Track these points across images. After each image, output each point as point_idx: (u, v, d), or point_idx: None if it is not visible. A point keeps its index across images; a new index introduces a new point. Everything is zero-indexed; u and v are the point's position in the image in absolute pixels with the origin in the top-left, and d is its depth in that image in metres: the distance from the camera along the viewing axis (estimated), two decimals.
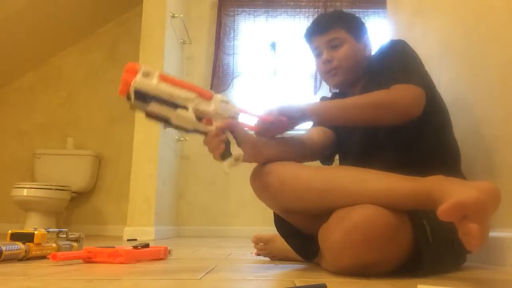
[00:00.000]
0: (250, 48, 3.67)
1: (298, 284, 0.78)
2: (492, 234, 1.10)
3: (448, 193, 0.79)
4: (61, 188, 3.13)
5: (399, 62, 1.10)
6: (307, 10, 3.67)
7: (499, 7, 1.22)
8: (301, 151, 1.13)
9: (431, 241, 0.91)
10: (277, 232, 1.19)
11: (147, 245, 1.24)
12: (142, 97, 0.86)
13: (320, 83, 3.55)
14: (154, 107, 0.87)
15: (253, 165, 1.07)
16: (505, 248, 1.12)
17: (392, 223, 0.87)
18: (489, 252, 1.16)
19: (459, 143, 1.17)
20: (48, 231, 1.24)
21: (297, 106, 1.05)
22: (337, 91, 1.39)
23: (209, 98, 0.94)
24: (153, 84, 0.86)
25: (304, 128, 1.19)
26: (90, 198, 3.63)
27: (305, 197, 0.98)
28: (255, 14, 3.70)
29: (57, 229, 1.31)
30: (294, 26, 3.67)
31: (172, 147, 3.24)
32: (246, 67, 3.66)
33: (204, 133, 0.94)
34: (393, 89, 1.02)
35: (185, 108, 0.90)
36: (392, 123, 1.02)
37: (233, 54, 3.63)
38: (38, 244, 1.19)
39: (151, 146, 2.80)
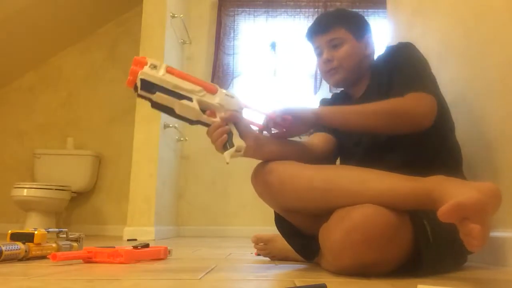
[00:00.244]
0: (250, 48, 3.67)
1: (298, 284, 0.78)
2: (492, 234, 1.10)
3: (448, 194, 0.79)
4: (61, 188, 3.13)
5: (412, 68, 1.10)
6: (307, 10, 3.67)
7: (499, 7, 1.22)
8: (303, 154, 1.12)
9: (432, 241, 0.91)
10: (277, 232, 1.19)
11: (147, 245, 1.24)
12: (148, 87, 0.90)
13: (320, 83, 3.55)
14: (159, 97, 0.90)
15: (254, 164, 1.07)
16: (505, 248, 1.12)
17: (392, 223, 0.87)
18: (489, 252, 1.16)
19: (459, 143, 1.17)
20: (48, 231, 1.24)
21: (310, 109, 1.06)
22: (338, 91, 1.39)
23: (214, 92, 0.96)
24: (159, 75, 0.91)
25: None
26: (90, 198, 3.63)
27: (306, 196, 0.98)
28: (255, 14, 3.70)
29: (57, 229, 1.31)
30: (294, 26, 3.66)
31: (172, 147, 3.24)
32: (246, 67, 3.66)
33: (207, 125, 0.96)
34: (408, 97, 1.02)
35: (190, 99, 0.92)
36: (404, 132, 1.03)
37: (233, 54, 3.63)
38: (38, 244, 1.19)
39: (151, 146, 2.80)
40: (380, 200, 0.88)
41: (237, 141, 0.94)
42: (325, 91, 3.50)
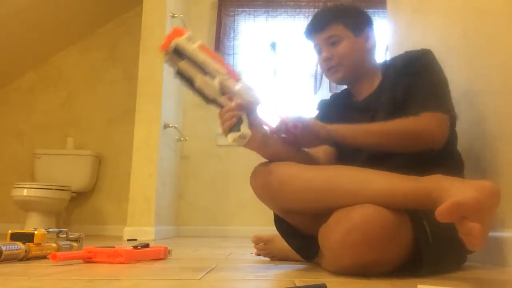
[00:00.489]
0: (250, 48, 3.67)
1: (298, 284, 0.78)
2: (492, 234, 1.10)
3: (447, 193, 0.79)
4: (61, 188, 3.13)
5: (431, 84, 1.09)
6: (307, 10, 3.67)
7: (499, 7, 1.22)
8: (305, 162, 1.13)
9: (431, 241, 0.91)
10: (277, 232, 1.19)
11: (147, 245, 1.24)
12: (179, 54, 0.95)
13: (320, 83, 3.55)
14: (185, 65, 0.95)
15: (254, 164, 1.07)
16: (505, 248, 1.12)
17: (392, 223, 0.87)
18: (489, 252, 1.16)
19: (459, 142, 1.17)
20: (48, 231, 1.24)
21: (321, 125, 1.06)
22: (338, 91, 1.39)
23: (237, 80, 0.99)
24: (192, 46, 0.96)
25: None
26: (90, 198, 3.63)
27: (306, 197, 0.98)
28: (255, 14, 3.70)
29: (57, 229, 1.31)
30: (294, 26, 3.66)
31: (172, 147, 3.24)
32: (246, 67, 3.66)
33: (222, 106, 0.98)
34: (423, 118, 1.03)
35: (213, 77, 0.96)
36: (415, 151, 1.03)
37: (233, 54, 3.63)
38: (38, 244, 1.19)
39: (151, 146, 2.80)
40: (380, 200, 0.88)
41: (245, 128, 0.96)
42: (325, 91, 3.50)
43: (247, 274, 0.95)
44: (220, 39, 3.61)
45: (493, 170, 1.22)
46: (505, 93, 1.18)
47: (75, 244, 1.32)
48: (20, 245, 1.14)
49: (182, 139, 3.43)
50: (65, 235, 1.32)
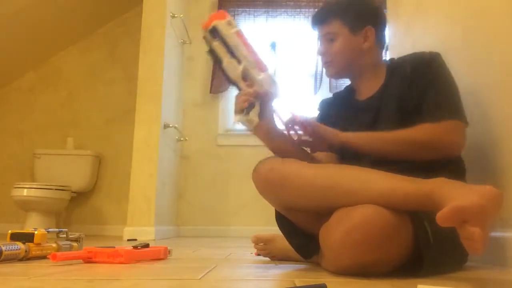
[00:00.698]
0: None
1: (298, 284, 0.78)
2: (493, 234, 1.10)
3: (449, 196, 0.79)
4: (61, 188, 3.13)
5: (446, 90, 1.08)
6: (307, 10, 3.67)
7: (499, 7, 1.22)
8: (308, 161, 1.14)
9: (432, 242, 0.91)
10: (277, 232, 1.19)
11: (147, 245, 1.24)
12: (216, 35, 1.05)
13: (320, 83, 3.55)
14: (217, 46, 1.05)
15: (254, 163, 1.07)
16: (506, 248, 1.12)
17: (392, 223, 0.87)
18: (489, 252, 1.15)
19: None
20: (48, 231, 1.24)
21: (334, 131, 1.07)
22: (340, 90, 1.40)
23: (262, 70, 1.08)
24: (229, 31, 1.05)
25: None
26: (90, 198, 3.63)
27: (307, 194, 0.98)
28: (255, 14, 3.70)
29: (57, 229, 1.31)
30: (294, 26, 3.67)
31: (172, 147, 3.24)
32: None
33: (240, 90, 1.07)
34: (443, 126, 1.02)
35: (239, 62, 1.06)
36: (431, 159, 1.02)
37: None
38: (38, 244, 1.19)
39: (151, 146, 2.80)
40: (381, 200, 0.88)
41: (255, 114, 1.04)
42: (325, 91, 3.50)
43: (247, 274, 0.95)
44: None
45: (494, 169, 1.21)
46: (505, 93, 1.18)
47: (75, 244, 1.32)
48: (20, 245, 1.14)
49: (182, 139, 3.43)
50: (65, 235, 1.32)
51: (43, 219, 3.06)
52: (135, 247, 1.19)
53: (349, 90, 1.31)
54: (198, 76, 3.68)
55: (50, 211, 3.15)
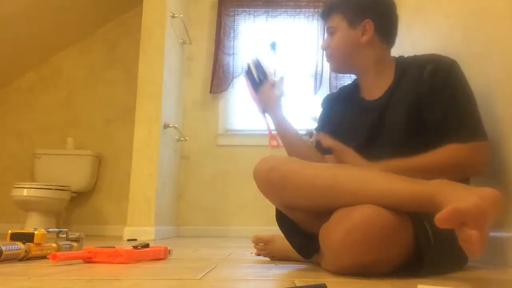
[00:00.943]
0: (250, 48, 3.67)
1: (298, 284, 0.78)
2: (493, 234, 1.10)
3: (449, 199, 0.79)
4: (61, 188, 3.13)
5: (467, 109, 1.06)
6: (307, 10, 3.67)
7: (499, 7, 1.22)
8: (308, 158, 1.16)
9: (433, 242, 0.91)
10: (277, 232, 1.19)
11: (147, 245, 1.24)
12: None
13: (320, 83, 3.55)
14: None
15: (254, 163, 1.07)
16: (506, 248, 1.12)
17: (392, 223, 0.87)
18: (489, 252, 1.16)
19: None
20: (48, 231, 1.24)
21: (365, 162, 1.07)
22: (339, 88, 1.40)
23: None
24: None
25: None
26: (90, 198, 3.63)
27: (307, 194, 0.98)
28: (255, 14, 3.70)
29: (57, 229, 1.31)
30: (294, 26, 3.67)
31: (172, 147, 3.24)
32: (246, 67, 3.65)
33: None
34: (469, 149, 1.01)
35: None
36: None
37: (233, 54, 3.63)
38: (38, 244, 1.19)
39: (151, 146, 2.80)
40: (381, 201, 0.88)
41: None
42: (325, 91, 3.50)
43: (247, 274, 0.95)
44: (220, 39, 3.61)
45: (494, 171, 1.21)
46: (506, 93, 1.18)
47: (75, 244, 1.32)
48: (20, 245, 1.14)
49: (182, 139, 3.43)
50: (65, 235, 1.32)
51: (43, 219, 3.06)
52: (135, 247, 1.19)
53: (355, 85, 1.30)
54: (198, 76, 3.68)
55: (50, 211, 3.15)
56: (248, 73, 1.35)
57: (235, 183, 3.46)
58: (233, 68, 3.60)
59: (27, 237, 1.18)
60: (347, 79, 3.33)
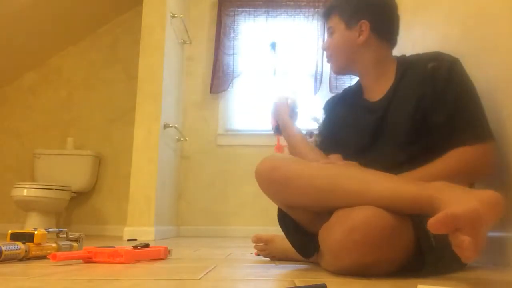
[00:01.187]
0: (250, 48, 3.67)
1: (298, 284, 0.78)
2: (494, 234, 1.10)
3: (447, 202, 0.78)
4: (61, 188, 3.13)
5: (473, 110, 1.06)
6: (307, 10, 3.67)
7: (499, 7, 1.22)
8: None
9: (434, 245, 0.90)
10: (277, 232, 1.19)
11: (147, 245, 1.24)
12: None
13: (320, 83, 3.55)
14: None
15: (255, 163, 1.08)
16: (505, 248, 1.12)
17: (393, 224, 0.87)
18: (490, 252, 1.16)
19: None
20: (48, 231, 1.24)
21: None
22: (338, 92, 1.40)
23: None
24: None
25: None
26: (90, 198, 3.63)
27: (308, 194, 0.98)
28: (255, 14, 3.70)
29: (57, 229, 1.31)
30: (294, 26, 3.67)
31: (172, 147, 3.24)
32: (246, 67, 3.66)
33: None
34: (479, 152, 1.01)
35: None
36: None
37: (233, 54, 3.63)
38: (38, 244, 1.19)
39: (151, 146, 2.80)
40: (381, 202, 0.88)
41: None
42: (325, 91, 3.50)
43: (247, 274, 0.95)
44: (220, 39, 3.61)
45: (497, 170, 1.21)
46: (506, 93, 1.18)
47: (75, 244, 1.32)
48: (20, 245, 1.14)
49: (182, 139, 3.43)
50: (65, 235, 1.32)
51: (43, 219, 3.06)
52: (135, 247, 1.19)
53: (359, 86, 1.29)
54: (198, 75, 3.68)
55: (50, 211, 3.15)
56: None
57: (235, 183, 3.46)
58: (233, 68, 3.60)
59: (27, 237, 1.18)
60: (347, 79, 3.33)
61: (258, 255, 1.40)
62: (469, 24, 1.38)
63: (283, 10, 3.70)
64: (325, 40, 1.28)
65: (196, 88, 3.67)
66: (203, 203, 3.48)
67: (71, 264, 1.08)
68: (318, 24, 3.63)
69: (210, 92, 3.58)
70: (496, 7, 1.23)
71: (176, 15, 3.15)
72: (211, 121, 3.61)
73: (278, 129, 1.36)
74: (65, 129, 3.74)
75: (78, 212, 3.61)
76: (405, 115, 1.09)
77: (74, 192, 3.36)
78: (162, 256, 1.27)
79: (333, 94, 1.41)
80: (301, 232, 1.10)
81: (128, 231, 2.65)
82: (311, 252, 1.09)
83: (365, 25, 1.18)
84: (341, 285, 0.78)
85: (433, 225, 0.72)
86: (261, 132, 3.46)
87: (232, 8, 3.70)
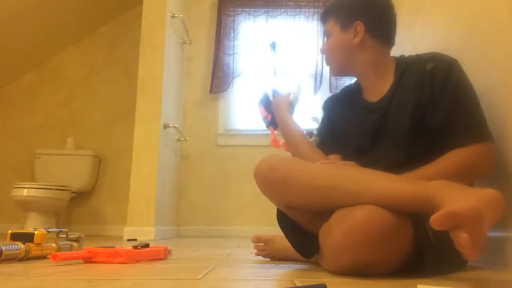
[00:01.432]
0: (250, 48, 3.67)
1: (298, 284, 0.78)
2: (493, 234, 1.10)
3: (446, 201, 0.78)
4: (61, 188, 3.13)
5: (471, 110, 1.06)
6: (307, 10, 3.67)
7: (499, 7, 1.22)
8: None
9: (434, 244, 0.91)
10: (277, 232, 1.19)
11: (147, 245, 1.24)
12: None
13: (320, 83, 3.55)
14: None
15: (254, 163, 1.07)
16: (505, 248, 1.12)
17: (393, 224, 0.87)
18: (490, 252, 1.16)
19: None
20: (48, 231, 1.24)
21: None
22: (338, 92, 1.40)
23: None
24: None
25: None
26: (90, 198, 3.63)
27: (307, 194, 0.98)
28: (255, 14, 3.70)
29: (57, 229, 1.31)
30: (294, 26, 3.67)
31: (172, 147, 3.24)
32: (246, 67, 3.66)
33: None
34: (478, 152, 1.02)
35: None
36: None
37: (233, 54, 3.62)
38: (38, 244, 1.19)
39: (151, 146, 2.80)
40: (381, 201, 0.88)
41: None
42: (325, 91, 3.50)
43: (247, 274, 0.95)
44: (220, 39, 3.61)
45: (497, 169, 1.21)
46: (506, 93, 1.18)
47: (75, 244, 1.32)
48: (20, 245, 1.14)
49: (182, 139, 3.43)
50: (65, 235, 1.32)
51: (43, 219, 3.06)
52: (135, 247, 1.19)
53: (358, 85, 1.29)
54: (198, 75, 3.68)
55: (50, 211, 3.15)
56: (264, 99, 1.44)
57: (235, 183, 3.46)
58: (233, 68, 3.60)
59: (27, 237, 1.18)
60: (347, 80, 3.33)
61: (258, 255, 1.40)
62: (470, 24, 1.38)
63: (283, 10, 3.69)
64: (324, 42, 1.28)
65: (196, 88, 3.67)
66: (203, 203, 3.48)
67: (71, 264, 1.08)
68: (318, 24, 3.63)
69: (210, 92, 3.58)
70: (497, 7, 1.23)
71: (176, 15, 3.15)
72: (211, 121, 3.61)
73: (273, 122, 1.35)
74: (65, 129, 3.74)
75: (78, 212, 3.61)
76: (404, 115, 1.10)
77: (74, 192, 3.36)
78: (162, 256, 1.27)
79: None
80: (300, 232, 1.10)
81: (128, 231, 2.65)
82: (310, 252, 1.09)
83: (359, 26, 1.19)
84: (341, 285, 0.78)
85: (434, 222, 0.73)
86: (261, 132, 3.46)
87: (232, 8, 3.70)
